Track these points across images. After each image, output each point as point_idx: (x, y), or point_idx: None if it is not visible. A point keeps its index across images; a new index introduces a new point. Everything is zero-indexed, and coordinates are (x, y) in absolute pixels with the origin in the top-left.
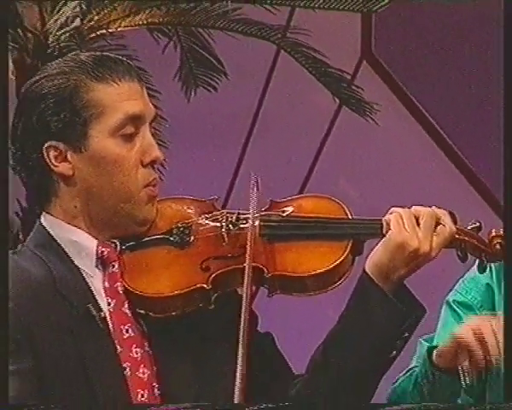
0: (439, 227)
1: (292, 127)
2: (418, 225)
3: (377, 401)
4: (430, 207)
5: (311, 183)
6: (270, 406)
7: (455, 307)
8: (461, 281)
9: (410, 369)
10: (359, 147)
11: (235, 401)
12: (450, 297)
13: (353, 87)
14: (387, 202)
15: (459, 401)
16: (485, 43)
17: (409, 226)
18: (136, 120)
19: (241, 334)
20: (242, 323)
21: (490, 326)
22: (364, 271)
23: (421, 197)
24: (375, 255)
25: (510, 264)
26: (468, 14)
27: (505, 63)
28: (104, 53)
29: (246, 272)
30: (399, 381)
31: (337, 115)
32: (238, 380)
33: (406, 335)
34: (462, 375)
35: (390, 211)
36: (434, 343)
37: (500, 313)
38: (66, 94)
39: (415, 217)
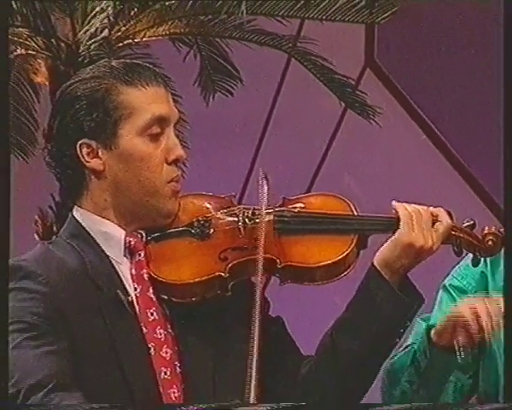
0: (438, 224)
1: (301, 129)
2: (422, 223)
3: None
4: (427, 205)
5: (319, 179)
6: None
7: (451, 290)
8: (457, 267)
9: (408, 346)
10: (363, 147)
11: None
12: (447, 281)
13: (357, 92)
14: (388, 198)
15: (451, 379)
16: (485, 46)
17: (417, 227)
18: (161, 121)
19: (255, 332)
20: (256, 319)
21: (484, 305)
22: (373, 265)
23: (419, 195)
24: (384, 251)
25: (510, 263)
26: (469, 18)
27: (505, 64)
28: (133, 60)
29: (258, 262)
30: (397, 357)
31: (343, 118)
32: (253, 376)
33: (408, 323)
34: (457, 350)
35: (393, 206)
36: (431, 323)
37: (494, 297)
38: (98, 96)
39: (420, 216)
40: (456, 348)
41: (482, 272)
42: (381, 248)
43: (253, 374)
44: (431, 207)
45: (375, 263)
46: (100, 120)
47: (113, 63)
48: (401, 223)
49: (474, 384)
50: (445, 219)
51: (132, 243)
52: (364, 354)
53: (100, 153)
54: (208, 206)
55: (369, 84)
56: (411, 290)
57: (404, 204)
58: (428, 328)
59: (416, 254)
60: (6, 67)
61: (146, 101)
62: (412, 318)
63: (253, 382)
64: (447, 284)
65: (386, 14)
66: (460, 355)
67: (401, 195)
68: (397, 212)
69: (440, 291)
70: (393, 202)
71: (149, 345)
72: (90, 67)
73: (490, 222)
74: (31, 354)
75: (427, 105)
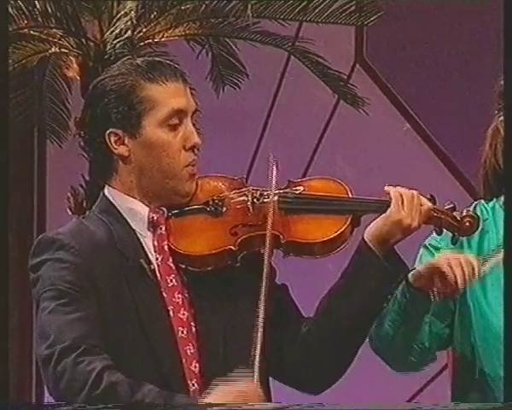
0: (422, 207)
1: (299, 118)
2: (412, 205)
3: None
4: (410, 186)
5: (315, 161)
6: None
7: (430, 248)
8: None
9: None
10: (353, 134)
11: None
12: (427, 241)
13: (349, 85)
14: (375, 179)
15: (426, 320)
16: (469, 42)
17: (406, 207)
18: (179, 113)
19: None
20: (263, 296)
21: (460, 258)
22: (363, 238)
23: (403, 178)
24: (375, 226)
25: (510, 263)
26: (455, 16)
27: (505, 64)
28: (156, 58)
29: (267, 237)
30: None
31: (336, 108)
32: (259, 336)
33: (394, 290)
34: (432, 294)
35: (385, 190)
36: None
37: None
38: (124, 91)
39: (410, 199)
40: (431, 292)
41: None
42: (372, 224)
43: (260, 335)
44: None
45: (366, 237)
46: (126, 112)
47: (138, 61)
48: (392, 202)
49: (450, 334)
50: (426, 203)
51: (155, 218)
52: (355, 316)
53: (126, 141)
54: (222, 187)
55: (358, 78)
56: (397, 261)
57: (397, 187)
58: (407, 274)
59: (402, 231)
60: (6, 66)
61: (166, 95)
62: (398, 285)
63: (259, 341)
64: (427, 243)
65: (373, 17)
66: (434, 299)
67: (386, 176)
68: (389, 194)
69: (421, 249)
70: (386, 187)
71: (169, 308)
72: (118, 64)
73: (468, 204)
74: (63, 320)
75: (411, 97)
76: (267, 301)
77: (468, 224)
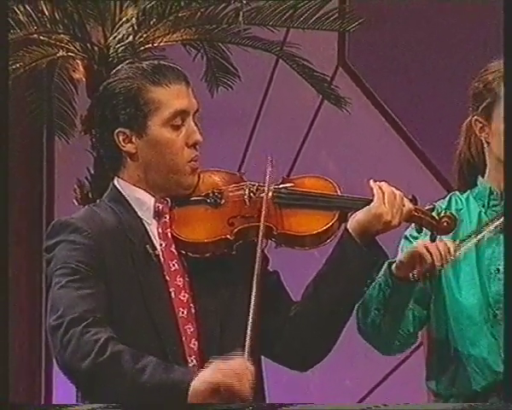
0: (403, 207)
1: (287, 116)
2: (394, 203)
3: None
4: (395, 186)
5: (301, 157)
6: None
7: (410, 239)
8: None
9: (376, 280)
10: (337, 131)
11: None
12: (407, 232)
13: (332, 86)
14: (358, 174)
15: (410, 306)
16: (447, 45)
17: (388, 203)
18: (182, 113)
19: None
20: (255, 279)
21: (436, 243)
22: (346, 228)
23: (383, 173)
24: (357, 217)
25: (510, 265)
26: (430, 22)
27: (505, 65)
28: (161, 62)
29: (260, 228)
30: (368, 292)
31: (320, 107)
32: (251, 315)
33: (374, 276)
34: (412, 278)
35: (370, 185)
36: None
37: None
38: (131, 94)
39: (392, 196)
40: (411, 277)
41: None
42: (355, 215)
43: (251, 317)
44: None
45: (349, 227)
46: (133, 113)
47: (144, 65)
48: (375, 197)
49: (427, 315)
50: (408, 205)
51: (160, 207)
52: (338, 300)
53: (133, 139)
54: (222, 180)
55: (341, 80)
56: (377, 248)
57: (382, 183)
58: (390, 263)
59: (382, 225)
60: (6, 67)
61: (170, 97)
62: (378, 271)
63: (251, 322)
64: (408, 235)
65: (354, 24)
66: (414, 280)
67: (366, 170)
68: (372, 190)
69: (402, 240)
70: (371, 182)
71: (170, 290)
72: (126, 67)
73: (443, 196)
74: (73, 294)
75: (390, 98)
76: (259, 286)
77: (445, 224)
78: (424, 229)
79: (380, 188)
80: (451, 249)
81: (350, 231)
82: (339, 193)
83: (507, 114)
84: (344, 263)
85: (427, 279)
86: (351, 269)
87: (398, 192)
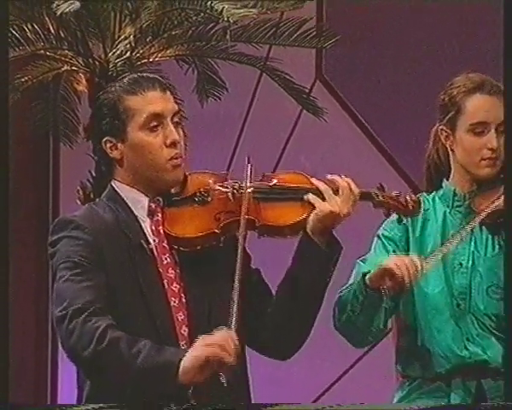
0: (351, 194)
1: (269, 124)
2: (337, 194)
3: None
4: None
5: (282, 160)
6: None
7: (382, 238)
8: (386, 221)
9: (351, 284)
10: (314, 138)
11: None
12: (380, 232)
13: (310, 98)
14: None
15: (384, 305)
16: (413, 58)
17: (330, 199)
18: (157, 116)
19: (237, 274)
20: (238, 263)
21: (405, 260)
22: (305, 230)
23: (357, 177)
24: (311, 221)
25: (510, 268)
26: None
27: (505, 67)
28: (138, 74)
29: (241, 220)
30: (343, 292)
31: (300, 116)
32: (235, 306)
33: (332, 269)
34: (383, 292)
35: (315, 183)
36: (367, 265)
37: (412, 252)
38: (111, 105)
39: (334, 189)
40: (383, 291)
41: (404, 224)
42: (309, 218)
43: (235, 305)
44: (347, 179)
45: (307, 228)
46: (113, 122)
47: (124, 80)
48: (324, 194)
49: (396, 305)
50: (354, 189)
51: (153, 206)
52: (305, 294)
53: (118, 146)
54: (208, 180)
55: (318, 92)
56: (334, 243)
57: (319, 182)
58: (364, 274)
59: (334, 220)
60: (6, 69)
61: (144, 103)
62: (336, 264)
63: (235, 311)
64: (380, 234)
65: (330, 41)
66: (386, 296)
67: (341, 174)
68: (318, 187)
69: (375, 239)
70: (313, 180)
71: (164, 281)
72: (112, 84)
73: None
74: (76, 286)
75: (364, 108)
76: (242, 271)
77: (411, 207)
78: (391, 212)
79: (323, 185)
80: (419, 267)
81: (308, 232)
82: (313, 186)
83: (507, 113)
84: (306, 262)
85: (398, 293)
86: (312, 266)
87: (341, 181)
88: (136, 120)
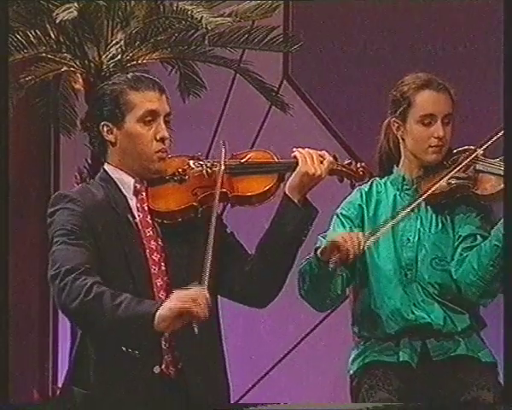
0: (324, 160)
1: (243, 118)
2: (313, 159)
3: None
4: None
5: (255, 148)
6: None
7: (340, 217)
8: (344, 201)
9: (308, 257)
10: (282, 131)
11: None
12: (338, 211)
13: (279, 95)
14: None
15: (340, 273)
16: (370, 58)
17: (310, 161)
18: (152, 113)
19: (211, 233)
20: (213, 225)
21: (352, 235)
22: (284, 192)
23: None
24: (290, 180)
25: (510, 262)
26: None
27: (505, 70)
28: (142, 74)
29: (216, 194)
30: (302, 265)
31: (269, 111)
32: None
33: (308, 230)
34: (331, 263)
35: (294, 153)
36: (326, 240)
37: (366, 230)
38: (114, 95)
39: (310, 155)
40: (330, 263)
41: (359, 204)
42: (289, 179)
43: (208, 263)
44: (320, 152)
45: (285, 189)
46: (114, 110)
47: (129, 76)
48: (299, 160)
49: (352, 274)
50: (327, 158)
51: (138, 186)
52: (282, 251)
53: (114, 131)
54: (185, 162)
55: (285, 90)
56: (309, 206)
57: (301, 149)
58: (316, 249)
59: (310, 180)
60: (6, 69)
61: (143, 100)
62: (311, 225)
63: (208, 268)
64: (338, 213)
65: (295, 46)
66: (333, 267)
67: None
68: (295, 156)
69: (334, 217)
70: (294, 151)
71: (146, 251)
72: (116, 76)
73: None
74: (69, 250)
75: (325, 104)
76: (217, 235)
77: (361, 173)
78: (344, 179)
79: (300, 152)
80: (362, 242)
81: (287, 193)
82: (276, 160)
83: (507, 114)
84: (284, 221)
85: (344, 265)
86: (289, 226)
87: (315, 152)
88: (134, 113)
